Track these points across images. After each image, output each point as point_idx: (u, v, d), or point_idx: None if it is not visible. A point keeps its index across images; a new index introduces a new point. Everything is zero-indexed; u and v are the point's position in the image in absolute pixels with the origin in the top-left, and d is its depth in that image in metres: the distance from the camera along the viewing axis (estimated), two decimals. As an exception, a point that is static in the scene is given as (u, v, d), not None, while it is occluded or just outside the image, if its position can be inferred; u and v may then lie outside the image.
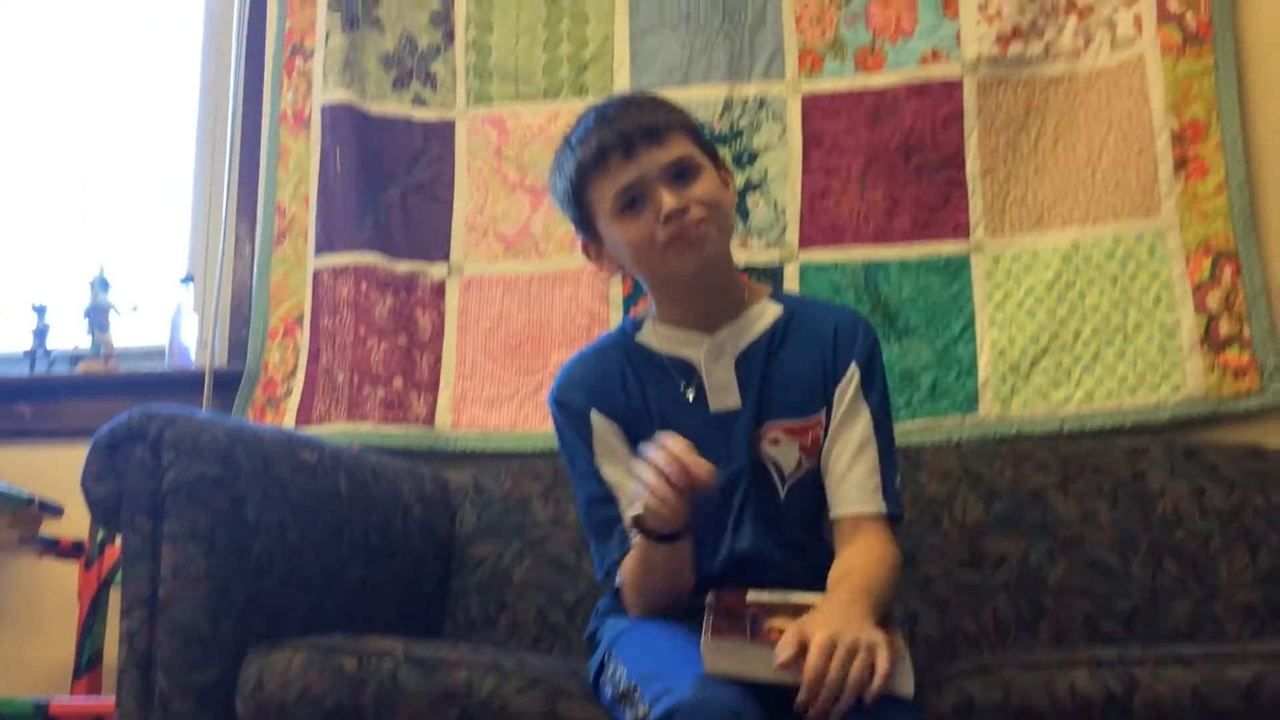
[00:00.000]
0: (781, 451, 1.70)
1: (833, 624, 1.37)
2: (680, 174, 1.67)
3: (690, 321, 1.75)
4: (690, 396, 1.72)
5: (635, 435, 1.68)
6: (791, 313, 1.77)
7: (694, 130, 1.74)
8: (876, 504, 1.66)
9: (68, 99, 3.34)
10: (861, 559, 1.60)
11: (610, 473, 1.71)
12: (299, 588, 1.86)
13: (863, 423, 1.69)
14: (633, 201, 1.67)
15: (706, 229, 1.65)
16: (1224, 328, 2.32)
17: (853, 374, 1.71)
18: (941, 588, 2.14)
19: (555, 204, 1.83)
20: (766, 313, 1.76)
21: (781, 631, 1.39)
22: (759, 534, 1.68)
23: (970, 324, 2.45)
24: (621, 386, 1.75)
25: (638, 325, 1.80)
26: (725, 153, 2.57)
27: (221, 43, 3.08)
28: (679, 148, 1.68)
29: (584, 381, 1.78)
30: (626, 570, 1.65)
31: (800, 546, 1.70)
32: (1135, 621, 2.05)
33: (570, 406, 1.76)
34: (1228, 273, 2.34)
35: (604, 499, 1.70)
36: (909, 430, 2.40)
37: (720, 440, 1.68)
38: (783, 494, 1.70)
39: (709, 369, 1.72)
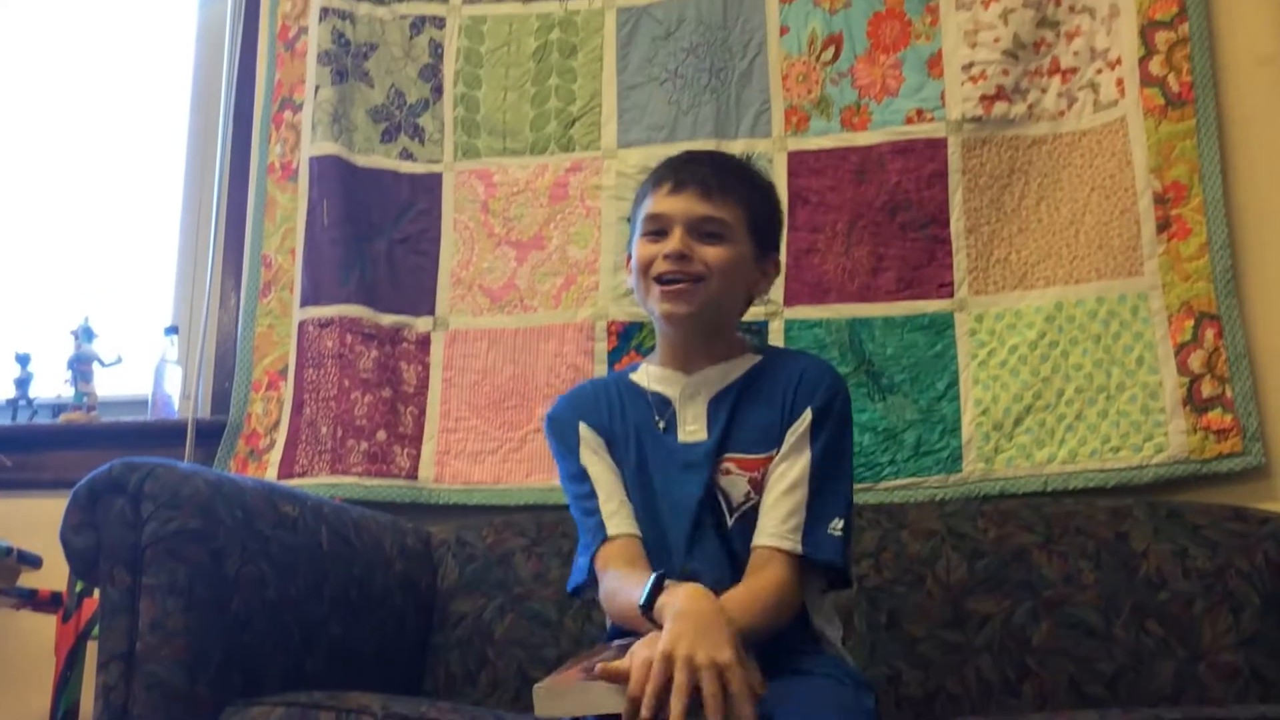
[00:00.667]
0: (731, 482, 1.75)
1: (674, 642, 1.39)
2: (708, 232, 1.76)
3: (675, 362, 1.84)
4: (661, 426, 1.81)
5: (614, 447, 1.82)
6: (766, 363, 1.85)
7: (754, 210, 1.81)
8: (791, 542, 1.68)
9: (55, 147, 3.34)
10: (746, 589, 1.63)
11: (594, 467, 1.81)
12: (278, 643, 1.85)
13: (800, 464, 1.73)
14: (657, 231, 1.78)
15: (697, 290, 1.75)
16: (1206, 389, 2.32)
17: (805, 418, 1.75)
18: (925, 647, 2.13)
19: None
20: (742, 361, 1.84)
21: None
22: (708, 556, 1.73)
23: (954, 382, 2.45)
24: (606, 409, 1.86)
25: (635, 368, 1.92)
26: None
27: (211, 94, 3.10)
28: (722, 211, 1.76)
29: (574, 403, 1.90)
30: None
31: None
32: (1119, 683, 2.04)
33: (560, 420, 1.88)
34: (1210, 334, 2.34)
35: (588, 494, 1.79)
36: (893, 489, 2.40)
37: (682, 467, 1.77)
38: (730, 522, 1.74)
39: (682, 404, 1.81)
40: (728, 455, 1.77)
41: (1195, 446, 2.30)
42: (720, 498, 1.75)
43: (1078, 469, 2.35)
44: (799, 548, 1.68)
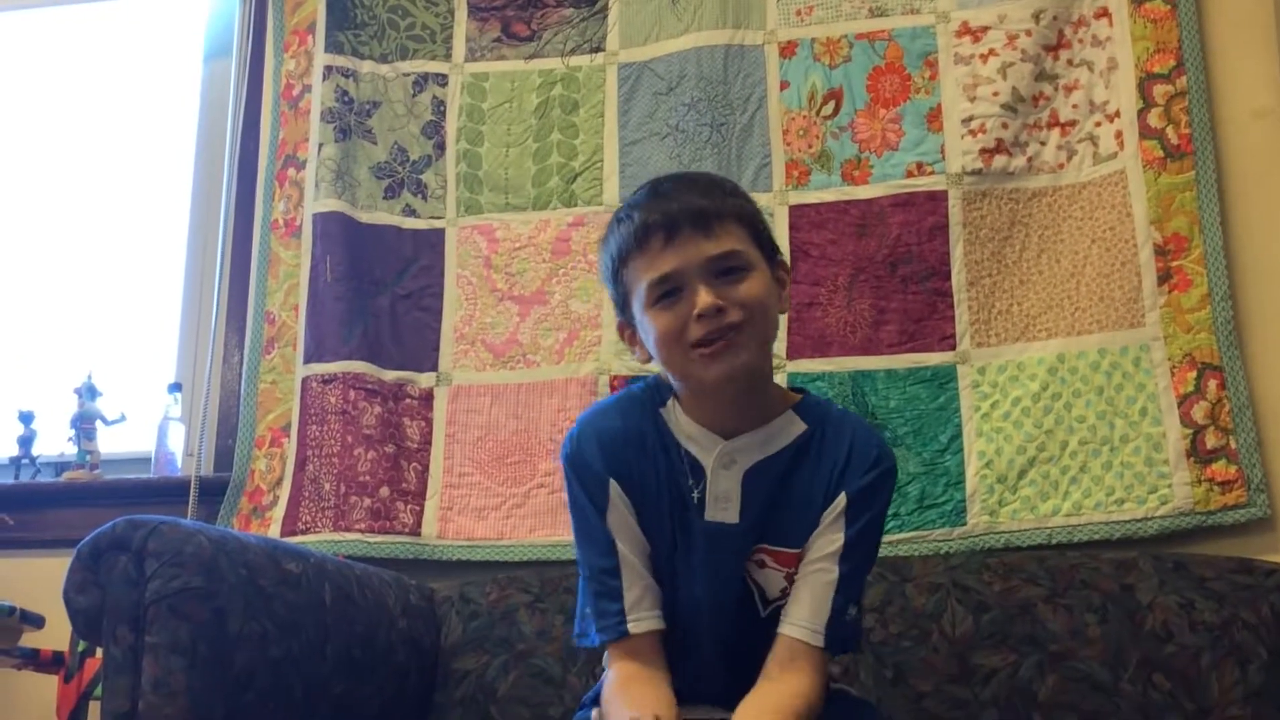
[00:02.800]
0: (766, 576, 1.63)
1: None
2: (725, 271, 1.55)
3: (709, 421, 1.63)
4: (695, 498, 1.62)
5: (643, 508, 1.64)
6: (813, 432, 1.65)
7: (750, 220, 1.62)
8: (815, 636, 1.57)
9: (59, 205, 3.36)
10: (789, 699, 1.53)
11: (623, 539, 1.62)
12: (280, 702, 1.84)
13: (832, 548, 1.59)
14: (669, 293, 1.56)
15: (742, 338, 1.54)
16: (1210, 440, 2.32)
17: (839, 502, 1.60)
18: (931, 703, 2.11)
19: (601, 280, 1.76)
20: (789, 428, 1.65)
21: None
22: (730, 647, 1.63)
23: (957, 435, 2.45)
24: (638, 463, 1.65)
25: (663, 396, 1.68)
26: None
27: (215, 152, 3.12)
28: (729, 240, 1.56)
29: (605, 449, 1.66)
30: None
31: None
32: (1127, 737, 2.04)
33: (587, 466, 1.66)
34: (1213, 385, 2.34)
35: (610, 571, 1.62)
36: (897, 542, 2.39)
37: (707, 550, 1.63)
38: (764, 613, 1.64)
39: (714, 477, 1.62)
40: (762, 546, 1.63)
41: (1200, 498, 2.30)
42: (754, 590, 1.64)
43: (1082, 521, 2.34)
44: (821, 641, 1.57)
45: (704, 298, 1.52)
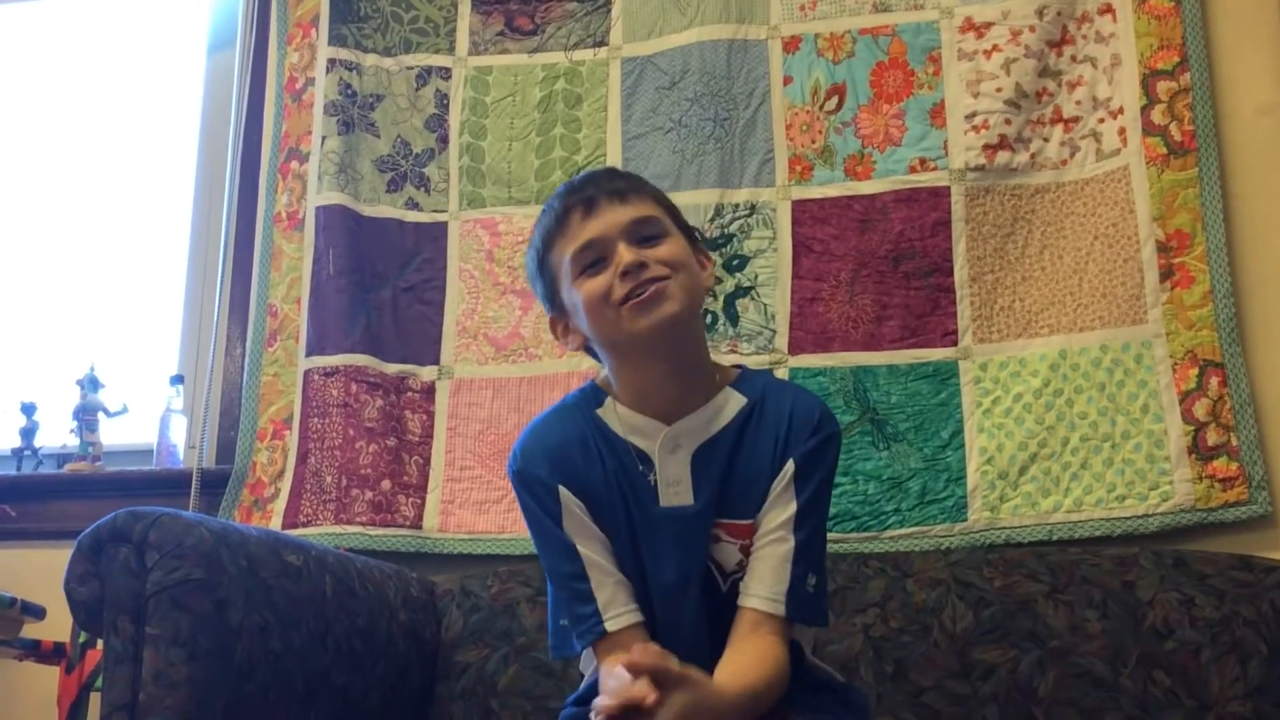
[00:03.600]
0: (721, 550, 1.64)
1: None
2: (644, 236, 1.62)
3: (649, 406, 1.66)
4: (651, 482, 1.65)
5: (596, 509, 1.65)
6: (753, 405, 1.68)
7: (666, 202, 1.70)
8: (775, 605, 1.59)
9: (62, 197, 3.36)
10: (755, 667, 1.54)
11: (583, 542, 1.64)
12: (281, 694, 1.84)
13: (784, 516, 1.62)
14: (594, 262, 1.61)
15: (669, 288, 1.58)
16: (1211, 437, 2.32)
17: (787, 470, 1.63)
18: (931, 698, 2.12)
19: (529, 283, 1.80)
20: (729, 404, 1.68)
21: None
22: (692, 631, 1.63)
23: (959, 431, 2.45)
24: (585, 467, 1.67)
25: (599, 398, 1.71)
26: (715, 258, 2.59)
27: (218, 145, 3.12)
28: (645, 209, 1.64)
29: (549, 459, 1.68)
30: None
31: None
32: (1126, 734, 2.04)
33: (535, 480, 1.68)
34: (1214, 382, 2.34)
35: (578, 575, 1.63)
36: (898, 538, 2.39)
37: (670, 536, 1.64)
38: (724, 588, 1.64)
39: (663, 462, 1.65)
40: (718, 521, 1.64)
41: (1201, 495, 2.30)
42: (714, 569, 1.65)
43: (1083, 518, 2.34)
44: (783, 610, 1.59)
45: (625, 254, 1.58)
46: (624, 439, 1.67)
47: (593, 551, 1.64)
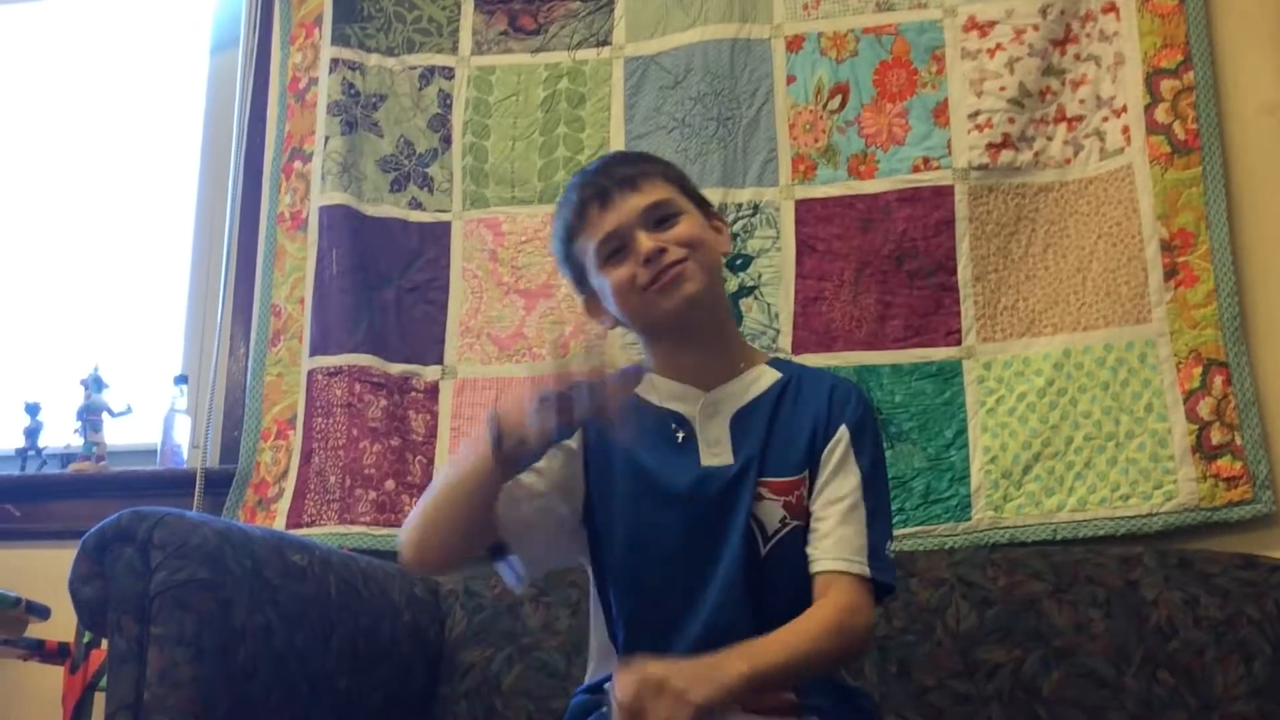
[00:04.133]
0: (765, 509, 1.64)
1: (669, 677, 1.35)
2: (660, 219, 1.68)
3: (686, 374, 1.72)
4: (680, 438, 1.69)
5: (604, 478, 1.69)
6: (790, 377, 1.74)
7: (678, 178, 1.76)
8: (859, 565, 1.60)
9: (66, 197, 3.36)
10: (802, 621, 1.55)
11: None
12: (285, 694, 1.84)
13: (851, 483, 1.65)
14: (616, 251, 1.68)
15: (688, 269, 1.65)
16: (1215, 436, 2.32)
17: (841, 435, 1.67)
18: (935, 697, 2.12)
19: (558, 268, 1.85)
20: (764, 376, 1.74)
21: None
22: (735, 598, 1.61)
23: (963, 430, 2.45)
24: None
25: (640, 375, 1.75)
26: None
27: (221, 145, 3.12)
28: (656, 192, 1.70)
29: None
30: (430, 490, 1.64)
31: (782, 620, 1.57)
32: (1131, 733, 2.04)
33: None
34: (1218, 381, 2.34)
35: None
36: (902, 537, 2.38)
37: (707, 494, 1.65)
38: (764, 551, 1.64)
39: (703, 424, 1.69)
40: (761, 480, 1.65)
41: (1205, 494, 2.29)
42: (754, 524, 1.64)
43: (1087, 517, 2.34)
44: (868, 570, 1.60)
45: (644, 243, 1.65)
46: (662, 405, 1.72)
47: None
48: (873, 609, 1.61)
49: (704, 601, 1.63)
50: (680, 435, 1.70)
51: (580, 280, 1.77)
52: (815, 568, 1.62)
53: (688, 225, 1.69)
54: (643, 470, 1.67)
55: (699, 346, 1.73)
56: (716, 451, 1.68)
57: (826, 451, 1.67)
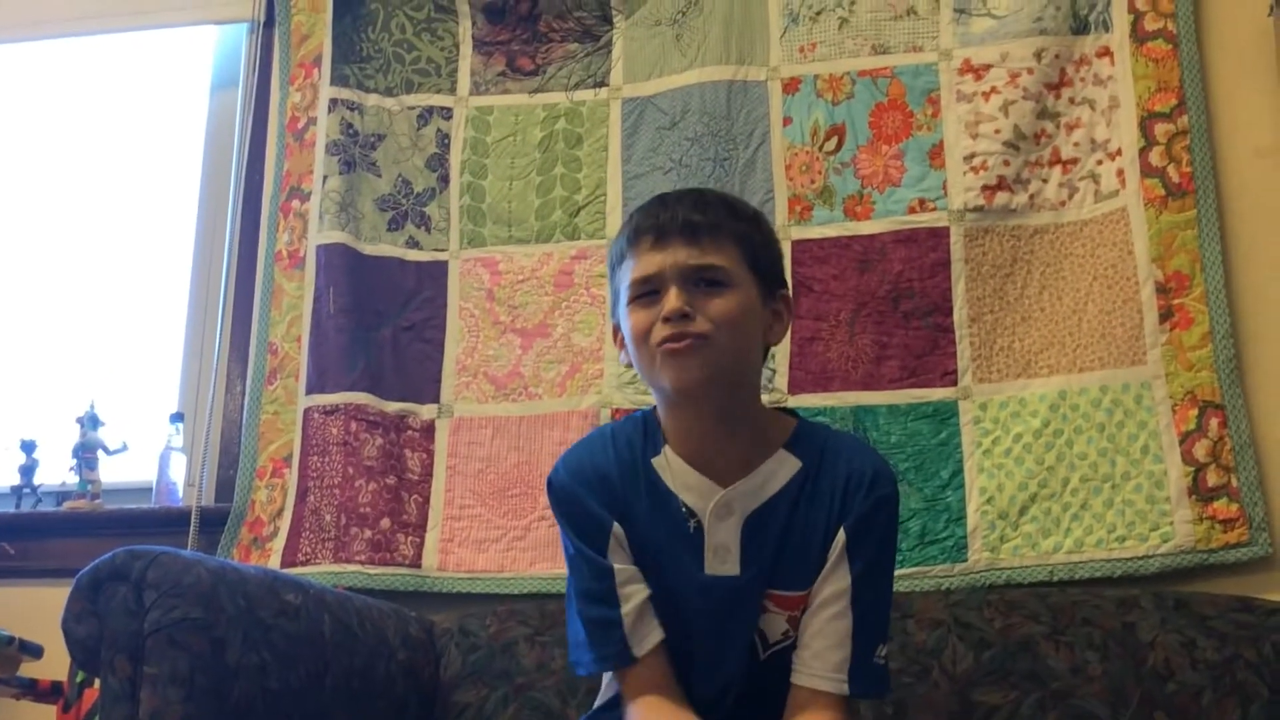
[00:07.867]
0: (768, 620, 1.60)
1: None
2: (706, 282, 1.55)
3: (700, 458, 1.60)
4: (691, 527, 1.58)
5: (640, 550, 1.60)
6: (809, 470, 1.61)
7: (749, 244, 1.60)
8: (837, 684, 1.54)
9: (63, 234, 3.37)
10: None
11: (621, 565, 1.59)
12: (279, 734, 1.83)
13: (839, 587, 1.56)
14: (648, 294, 1.56)
15: (706, 349, 1.52)
16: (1211, 478, 2.32)
17: (839, 539, 1.57)
18: (931, 739, 2.11)
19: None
20: (783, 469, 1.61)
21: None
22: (739, 690, 1.60)
23: (959, 471, 2.45)
24: (625, 503, 1.61)
25: (656, 444, 1.64)
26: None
27: (220, 183, 3.13)
28: (715, 255, 1.56)
29: (599, 489, 1.63)
30: None
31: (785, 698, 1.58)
32: (1128, 776, 2.03)
33: (580, 502, 1.63)
34: (1214, 423, 2.34)
35: (604, 597, 1.58)
36: (898, 578, 2.35)
37: (713, 602, 1.59)
38: (763, 656, 1.60)
39: (712, 528, 1.58)
40: (768, 591, 1.59)
41: (1201, 536, 2.29)
42: (756, 637, 1.60)
43: (1084, 558, 2.34)
44: (846, 688, 1.53)
45: (672, 300, 1.53)
46: (675, 493, 1.61)
47: (628, 575, 1.59)
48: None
49: (710, 676, 1.61)
50: (691, 525, 1.59)
51: (615, 303, 1.66)
52: (794, 678, 1.57)
53: (732, 301, 1.55)
54: (656, 548, 1.60)
55: (715, 423, 1.60)
56: (724, 560, 1.58)
57: (828, 555, 1.58)
